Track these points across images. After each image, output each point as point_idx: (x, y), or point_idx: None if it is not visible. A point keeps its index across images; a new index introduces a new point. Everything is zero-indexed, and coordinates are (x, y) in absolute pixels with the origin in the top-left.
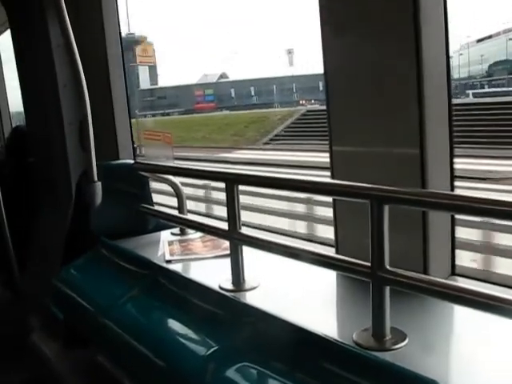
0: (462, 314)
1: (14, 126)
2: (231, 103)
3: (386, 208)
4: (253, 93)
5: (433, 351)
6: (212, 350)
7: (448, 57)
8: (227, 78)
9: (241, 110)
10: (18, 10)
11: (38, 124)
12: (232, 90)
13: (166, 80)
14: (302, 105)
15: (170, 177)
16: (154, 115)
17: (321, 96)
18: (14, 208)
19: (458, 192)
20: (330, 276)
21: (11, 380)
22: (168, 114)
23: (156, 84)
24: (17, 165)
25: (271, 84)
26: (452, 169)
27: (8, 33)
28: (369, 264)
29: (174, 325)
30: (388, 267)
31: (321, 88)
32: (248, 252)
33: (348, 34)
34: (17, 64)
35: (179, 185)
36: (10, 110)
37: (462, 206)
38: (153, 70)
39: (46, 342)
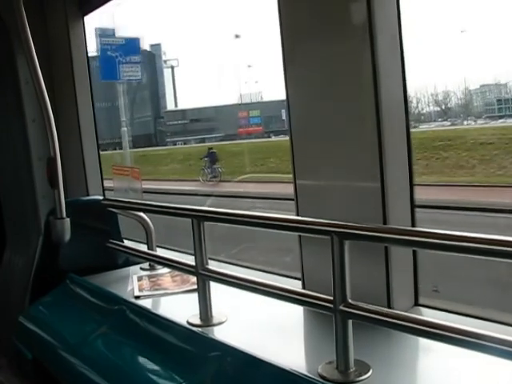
0: (425, 345)
1: None
2: (279, 127)
3: (347, 243)
4: None
5: (396, 382)
6: None
7: (406, 99)
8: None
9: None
10: None
11: (7, 159)
12: (282, 112)
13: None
14: None
15: (139, 212)
16: (185, 142)
17: None
18: None
19: (417, 227)
20: (297, 310)
21: None
22: (204, 141)
23: (176, 106)
24: None
25: None
26: (412, 201)
27: None
28: (331, 298)
29: (143, 361)
30: (350, 301)
31: None
32: (217, 286)
33: (310, 78)
34: None
35: (148, 220)
36: None
37: (421, 242)
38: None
39: (13, 381)
